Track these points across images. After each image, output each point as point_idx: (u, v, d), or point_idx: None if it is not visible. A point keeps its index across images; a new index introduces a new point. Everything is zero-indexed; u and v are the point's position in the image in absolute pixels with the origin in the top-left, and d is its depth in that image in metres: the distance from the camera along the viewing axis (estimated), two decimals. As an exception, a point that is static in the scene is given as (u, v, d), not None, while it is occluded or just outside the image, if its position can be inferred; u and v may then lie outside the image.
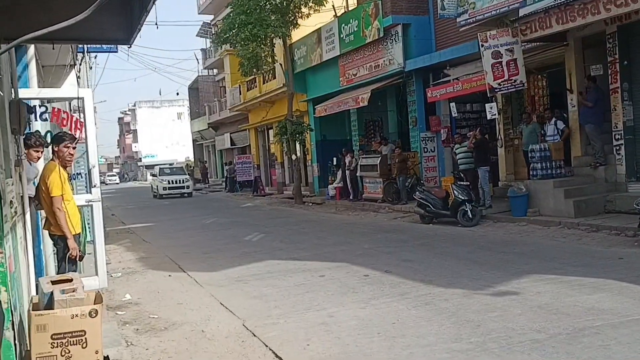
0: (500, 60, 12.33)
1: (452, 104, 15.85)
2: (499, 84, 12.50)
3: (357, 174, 19.11)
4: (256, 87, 29.85)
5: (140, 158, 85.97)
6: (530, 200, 12.20)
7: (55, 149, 5.79)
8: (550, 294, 6.19)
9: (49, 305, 3.65)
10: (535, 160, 12.46)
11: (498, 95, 13.82)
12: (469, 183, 13.00)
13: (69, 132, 6.51)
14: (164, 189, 32.15)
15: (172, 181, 32.46)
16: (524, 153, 13.65)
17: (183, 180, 32.71)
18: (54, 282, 3.88)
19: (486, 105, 13.63)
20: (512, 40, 12.31)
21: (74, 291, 3.68)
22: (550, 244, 9.55)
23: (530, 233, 10.83)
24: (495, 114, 13.73)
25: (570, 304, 5.77)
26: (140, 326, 6.24)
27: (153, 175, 36.31)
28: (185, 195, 32.01)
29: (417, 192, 13.78)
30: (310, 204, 21.24)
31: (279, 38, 22.13)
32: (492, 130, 15.63)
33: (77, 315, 3.51)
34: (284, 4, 20.90)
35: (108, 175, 79.06)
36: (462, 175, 13.16)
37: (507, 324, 5.27)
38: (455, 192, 12.48)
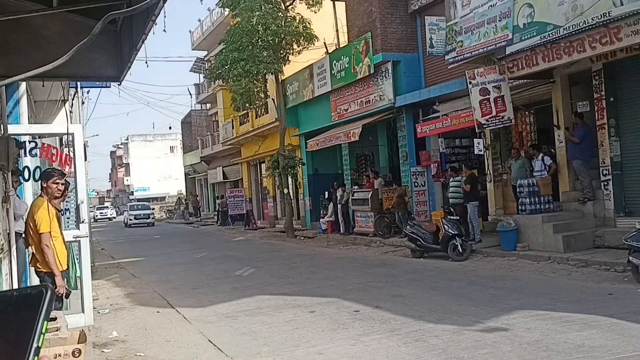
0: (488, 97, 12.50)
1: (441, 140, 16.00)
2: (487, 120, 12.65)
3: (349, 208, 19.14)
4: (249, 121, 30.04)
5: (133, 192, 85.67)
6: (519, 235, 12.24)
7: (44, 184, 5.78)
8: (540, 331, 6.16)
9: (32, 344, 3.60)
10: (524, 195, 12.53)
11: (486, 131, 13.98)
12: (459, 217, 13.03)
13: (58, 167, 6.52)
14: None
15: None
16: (513, 188, 13.73)
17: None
18: (37, 321, 3.84)
19: (474, 140, 13.77)
20: (500, 77, 12.51)
21: (57, 330, 3.64)
22: (539, 279, 9.55)
23: (519, 268, 10.83)
24: (481, 150, 13.89)
25: (560, 340, 5.75)
26: (127, 364, 6.15)
27: None
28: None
29: (407, 226, 13.80)
30: (302, 237, 21.17)
31: (271, 74, 22.37)
32: (480, 165, 15.74)
33: (60, 355, 3.46)
34: (276, 41, 21.19)
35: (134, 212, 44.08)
36: (452, 209, 13.20)
37: (497, 362, 5.24)
38: (445, 226, 12.50)
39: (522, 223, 12.33)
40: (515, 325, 6.44)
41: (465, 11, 13.01)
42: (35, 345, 0.82)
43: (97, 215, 60.10)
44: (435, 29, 14.55)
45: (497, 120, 12.66)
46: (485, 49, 12.33)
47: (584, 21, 10.13)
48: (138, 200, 72.92)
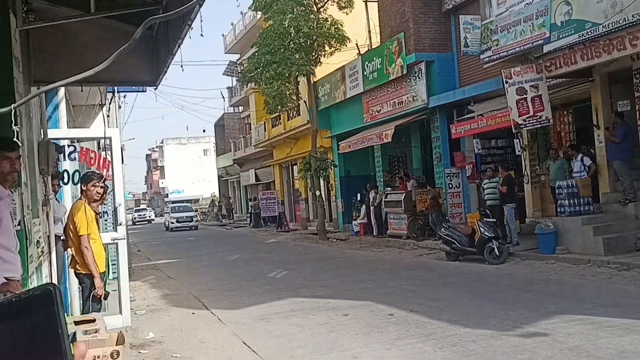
0: (525, 96, 12.27)
1: (476, 140, 15.77)
2: (524, 120, 12.42)
3: (382, 210, 19.02)
4: (281, 123, 30.17)
5: (167, 194, 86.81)
6: (558, 238, 11.96)
7: (84, 187, 5.88)
8: (581, 336, 6.00)
9: (72, 346, 3.64)
10: (563, 197, 12.25)
11: (523, 131, 13.73)
12: (495, 220, 12.82)
13: (97, 171, 6.63)
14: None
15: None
16: (551, 189, 13.45)
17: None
18: (77, 323, 3.89)
19: (515, 140, 13.55)
20: (537, 76, 12.27)
21: (96, 332, 3.68)
22: (579, 283, 9.31)
23: (559, 271, 10.58)
24: (519, 150, 13.68)
25: (602, 346, 5.58)
26: (163, 366, 6.21)
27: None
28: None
29: (442, 229, 13.63)
30: (335, 239, 21.14)
31: (303, 76, 22.44)
32: (517, 166, 15.48)
33: (98, 357, 3.50)
34: (308, 43, 21.24)
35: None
36: (487, 211, 13.00)
37: (537, 368, 5.11)
38: (481, 228, 12.30)
39: (561, 225, 12.05)
40: (555, 330, 6.28)
41: (501, 9, 12.82)
42: (67, 331, 0.82)
43: (135, 218, 56.82)
44: (470, 28, 14.36)
45: (535, 120, 12.41)
46: (521, 48, 12.12)
47: (624, 18, 9.87)
48: (173, 202, 70.76)
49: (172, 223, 38.26)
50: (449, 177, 17.64)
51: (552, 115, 12.86)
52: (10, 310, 0.81)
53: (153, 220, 58.92)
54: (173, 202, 72.30)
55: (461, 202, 17.62)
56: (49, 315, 0.81)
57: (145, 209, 64.72)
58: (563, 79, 13.06)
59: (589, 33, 10.62)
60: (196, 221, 39.75)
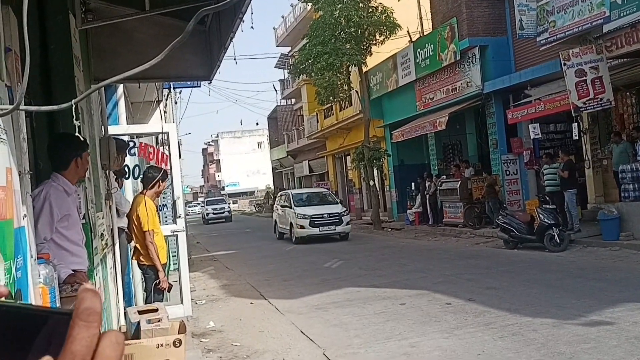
0: (584, 78, 11.85)
1: (534, 125, 15.33)
2: (584, 103, 12.00)
3: (437, 199, 18.79)
4: (333, 114, 30.18)
5: (224, 187, 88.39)
6: (622, 224, 11.53)
7: (160, 184, 6.10)
8: (649, 325, 5.78)
9: (136, 334, 3.77)
10: (627, 181, 11.80)
11: (583, 114, 13.27)
12: (555, 206, 12.46)
13: (156, 165, 6.82)
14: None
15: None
16: (614, 174, 12.96)
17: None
18: (140, 312, 4.02)
19: (574, 124, 13.13)
20: (597, 57, 11.82)
21: (159, 321, 3.79)
22: (647, 271, 8.96)
23: (624, 258, 10.21)
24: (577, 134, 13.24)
25: (672, 336, 5.37)
26: (224, 354, 6.35)
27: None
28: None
29: (500, 216, 13.36)
30: (389, 229, 21.04)
31: (355, 66, 22.35)
32: (578, 151, 14.98)
33: (162, 345, 3.61)
34: (359, 33, 21.12)
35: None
36: (547, 198, 12.65)
37: (602, 357, 4.97)
38: (541, 215, 11.99)
39: (625, 211, 11.61)
40: (620, 319, 6.07)
41: (557, -11, 12.38)
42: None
43: (208, 213, 41.75)
44: (525, 10, 13.93)
45: (595, 103, 11.98)
46: (580, 28, 11.71)
47: (692, -9, 9.37)
48: (229, 195, 68.47)
49: (302, 228, 19.24)
50: (505, 164, 17.25)
51: (614, 97, 12.38)
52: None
53: (231, 216, 43.20)
54: (229, 194, 67.15)
55: (519, 189, 17.21)
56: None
57: (223, 200, 46.79)
58: (625, 59, 12.53)
59: (653, 9, 10.15)
60: (347, 223, 19.89)
